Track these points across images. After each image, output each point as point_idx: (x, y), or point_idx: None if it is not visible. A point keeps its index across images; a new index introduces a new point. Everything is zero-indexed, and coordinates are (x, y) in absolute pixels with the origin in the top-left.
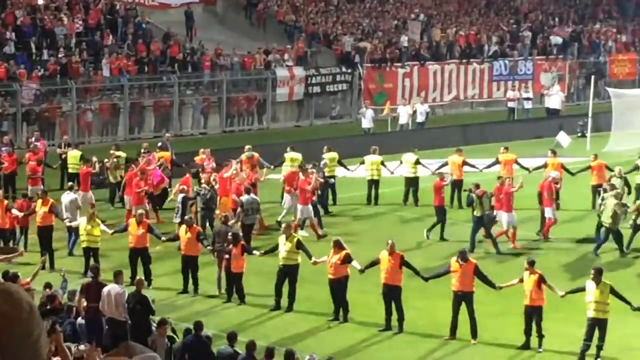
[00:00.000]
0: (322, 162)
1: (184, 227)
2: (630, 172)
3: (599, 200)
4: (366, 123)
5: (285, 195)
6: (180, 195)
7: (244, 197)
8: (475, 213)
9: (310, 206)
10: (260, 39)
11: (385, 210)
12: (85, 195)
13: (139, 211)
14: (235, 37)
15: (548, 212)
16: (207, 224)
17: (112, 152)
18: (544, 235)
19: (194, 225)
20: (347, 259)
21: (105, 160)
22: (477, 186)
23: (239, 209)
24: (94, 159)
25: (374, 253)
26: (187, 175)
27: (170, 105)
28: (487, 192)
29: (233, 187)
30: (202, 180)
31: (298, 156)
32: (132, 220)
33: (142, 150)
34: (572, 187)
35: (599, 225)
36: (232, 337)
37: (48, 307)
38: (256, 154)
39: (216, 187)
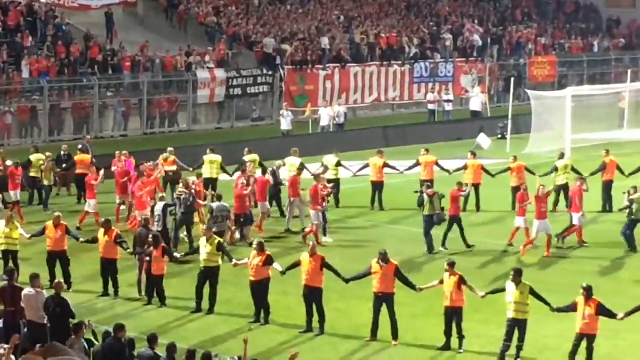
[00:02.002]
0: (277, 164)
1: (102, 230)
2: (549, 174)
3: (625, 202)
4: (285, 125)
5: (290, 200)
6: (161, 204)
7: (214, 204)
8: (424, 212)
9: (320, 213)
10: (181, 40)
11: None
12: None
13: (56, 214)
14: (156, 39)
15: (575, 219)
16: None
17: (49, 154)
18: (563, 238)
19: (113, 228)
20: (269, 261)
21: (41, 162)
22: (429, 186)
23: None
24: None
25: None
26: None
27: (91, 107)
28: (438, 193)
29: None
30: (180, 185)
31: (218, 158)
32: (49, 223)
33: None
34: (492, 189)
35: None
36: (152, 340)
37: None
38: (173, 156)
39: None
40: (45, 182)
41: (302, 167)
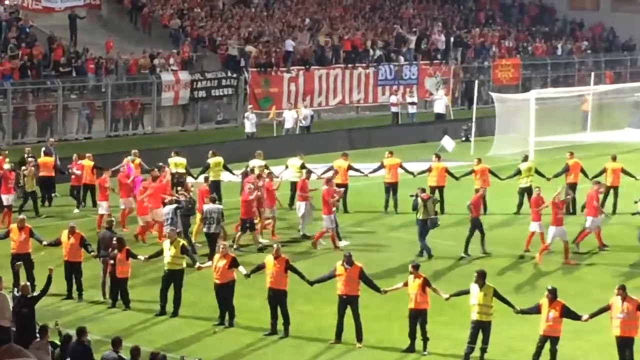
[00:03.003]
0: (250, 168)
1: (65, 232)
2: (512, 177)
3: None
4: (249, 128)
5: (299, 204)
6: (171, 206)
7: (206, 206)
8: (418, 216)
9: (332, 216)
10: (145, 43)
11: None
12: None
13: (20, 216)
14: (120, 42)
15: (589, 222)
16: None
17: (30, 159)
18: (577, 243)
19: (77, 230)
20: (233, 264)
21: (23, 168)
22: (423, 190)
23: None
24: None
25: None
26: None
27: (54, 109)
28: (433, 197)
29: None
30: (180, 189)
31: (182, 161)
32: (14, 226)
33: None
34: (456, 192)
35: None
36: (116, 343)
37: None
38: (139, 159)
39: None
40: (27, 188)
41: (303, 167)
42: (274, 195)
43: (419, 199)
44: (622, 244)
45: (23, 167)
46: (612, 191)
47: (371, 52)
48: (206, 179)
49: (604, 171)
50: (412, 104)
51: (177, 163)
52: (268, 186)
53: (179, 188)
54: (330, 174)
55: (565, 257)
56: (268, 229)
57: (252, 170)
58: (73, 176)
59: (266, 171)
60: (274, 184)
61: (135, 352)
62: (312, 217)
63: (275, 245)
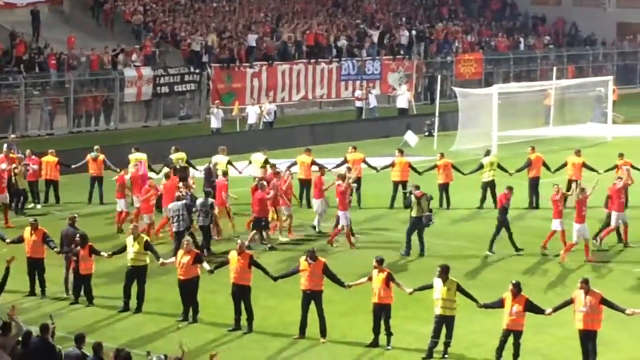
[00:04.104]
0: (213, 164)
1: (28, 228)
2: (475, 171)
3: None
4: (215, 123)
5: (314, 201)
6: (181, 203)
7: (199, 200)
8: (412, 214)
9: (348, 213)
10: (107, 38)
11: (235, 210)
12: None
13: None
14: (83, 37)
15: (614, 217)
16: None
17: (20, 156)
18: (600, 239)
19: (39, 227)
20: (197, 259)
21: (14, 165)
22: (417, 187)
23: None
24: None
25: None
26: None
27: (16, 105)
28: (426, 194)
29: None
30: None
31: (143, 157)
32: None
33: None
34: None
35: None
36: (79, 339)
37: None
38: (102, 155)
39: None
40: (19, 186)
41: (267, 162)
42: (290, 193)
43: (412, 197)
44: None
45: (13, 165)
46: (573, 185)
47: (334, 47)
48: (225, 173)
49: (565, 165)
50: (375, 98)
51: (138, 159)
52: (289, 185)
53: (181, 184)
54: (344, 170)
55: (586, 254)
56: (285, 227)
57: (215, 166)
58: (29, 172)
59: (280, 169)
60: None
61: (97, 348)
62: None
63: (238, 241)
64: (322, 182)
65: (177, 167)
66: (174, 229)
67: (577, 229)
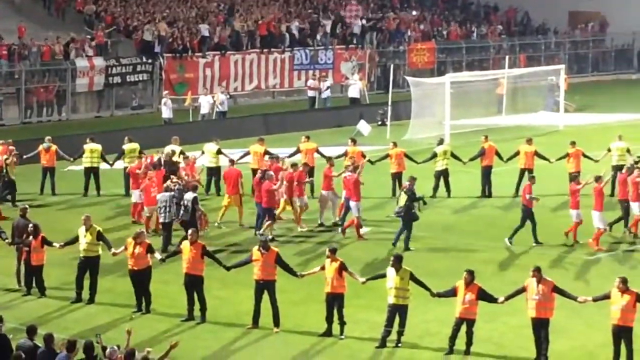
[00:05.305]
0: (165, 153)
1: None
2: (428, 160)
3: None
4: (166, 113)
5: (321, 193)
6: (168, 194)
7: (187, 194)
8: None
9: (360, 203)
10: (59, 29)
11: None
12: None
13: None
14: (34, 27)
15: (635, 208)
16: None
17: (11, 147)
18: (634, 232)
19: None
20: (149, 250)
21: (5, 156)
22: (414, 178)
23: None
24: None
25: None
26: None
27: None
28: (408, 189)
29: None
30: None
31: (98, 147)
32: None
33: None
34: (372, 176)
35: None
36: (31, 331)
37: None
38: (54, 146)
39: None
40: (11, 176)
41: (219, 152)
42: (303, 184)
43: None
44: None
45: (5, 156)
46: (526, 174)
47: (287, 37)
48: (305, 165)
49: (517, 154)
50: (328, 88)
51: (92, 149)
52: (299, 176)
53: (173, 176)
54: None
55: (596, 243)
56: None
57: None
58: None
59: (288, 160)
60: (197, 169)
61: (48, 339)
62: (329, 207)
63: (190, 230)
64: (331, 173)
65: (166, 159)
66: (161, 220)
67: (598, 216)
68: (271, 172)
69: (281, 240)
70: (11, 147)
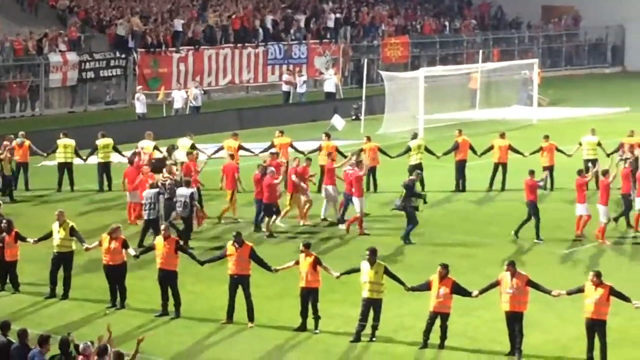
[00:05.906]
0: (139, 148)
1: None
2: (402, 155)
3: None
4: (140, 108)
5: (325, 188)
6: (152, 191)
7: (179, 190)
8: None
9: (364, 199)
10: (32, 23)
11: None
12: None
13: None
14: (6, 22)
15: (638, 203)
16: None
17: (5, 143)
18: (634, 228)
19: None
20: (124, 245)
21: None
22: (419, 174)
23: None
24: None
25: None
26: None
27: None
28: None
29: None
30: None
31: (71, 142)
32: None
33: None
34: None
35: None
36: (4, 327)
37: None
38: (27, 141)
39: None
40: (5, 172)
41: (194, 147)
42: (307, 179)
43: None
44: (510, 220)
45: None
46: (500, 168)
47: (260, 31)
48: (308, 160)
49: (491, 148)
50: (302, 83)
51: (66, 145)
52: (303, 171)
53: (164, 171)
54: (354, 158)
55: (602, 237)
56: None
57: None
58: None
59: (299, 156)
60: (199, 164)
61: (22, 334)
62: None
63: (163, 225)
64: (333, 168)
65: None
66: (145, 217)
67: (604, 210)
68: (272, 168)
69: (284, 236)
70: (5, 143)
